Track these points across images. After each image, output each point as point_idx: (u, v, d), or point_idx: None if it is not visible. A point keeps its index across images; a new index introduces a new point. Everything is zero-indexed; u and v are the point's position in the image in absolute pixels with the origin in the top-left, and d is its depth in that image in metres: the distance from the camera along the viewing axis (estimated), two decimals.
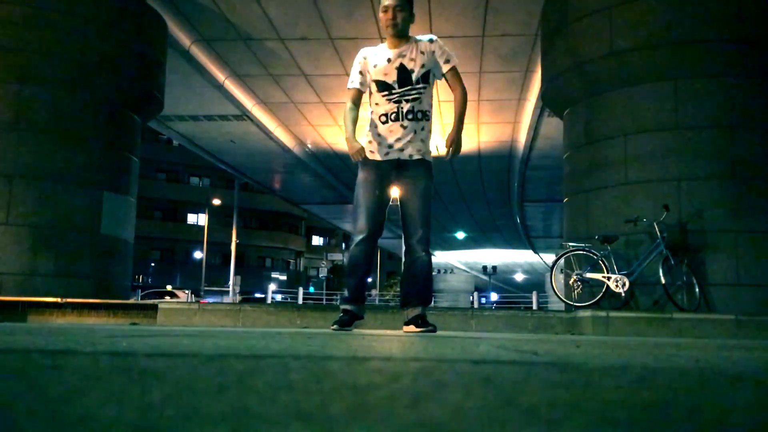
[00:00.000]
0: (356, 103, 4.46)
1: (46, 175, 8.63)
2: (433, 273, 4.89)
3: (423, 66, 4.36)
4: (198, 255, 46.29)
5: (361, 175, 4.40)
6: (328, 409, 0.77)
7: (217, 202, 42.40)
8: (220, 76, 14.05)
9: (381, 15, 4.40)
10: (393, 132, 4.34)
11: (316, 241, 62.97)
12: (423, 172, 4.39)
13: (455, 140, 4.34)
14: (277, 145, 18.61)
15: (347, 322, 4.38)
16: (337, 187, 23.26)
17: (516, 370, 1.41)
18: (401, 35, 4.39)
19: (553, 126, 12.96)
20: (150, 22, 10.15)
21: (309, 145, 18.89)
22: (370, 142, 4.39)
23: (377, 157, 4.36)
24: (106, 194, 9.15)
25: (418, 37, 4.44)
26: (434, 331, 4.30)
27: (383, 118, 4.36)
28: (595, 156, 8.48)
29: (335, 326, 4.35)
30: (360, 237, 4.37)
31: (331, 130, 17.62)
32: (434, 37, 4.44)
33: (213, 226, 42.93)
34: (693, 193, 7.71)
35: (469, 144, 18.47)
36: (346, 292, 4.53)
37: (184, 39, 12.39)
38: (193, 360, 1.47)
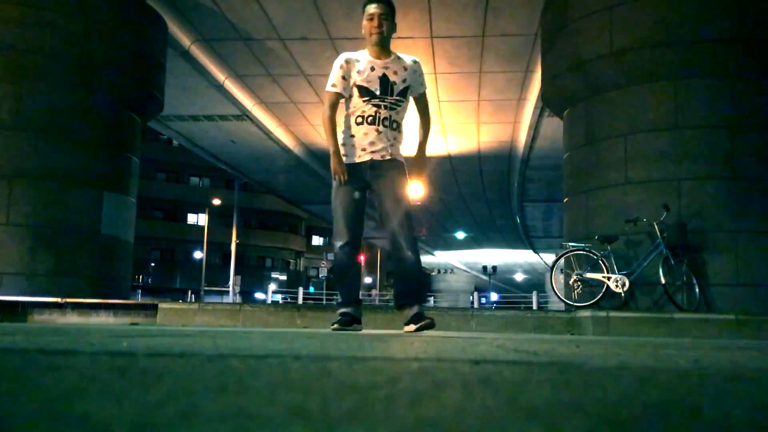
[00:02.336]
0: (334, 109, 4.50)
1: (46, 175, 8.63)
2: (433, 273, 4.94)
3: (405, 81, 4.48)
4: (198, 255, 46.28)
5: (336, 181, 4.43)
6: (328, 409, 0.77)
7: (217, 202, 42.38)
8: (220, 76, 14.05)
9: (365, 23, 4.45)
10: (367, 135, 4.39)
11: (316, 241, 62.96)
12: (398, 170, 4.45)
13: (421, 167, 4.52)
14: (277, 145, 18.59)
15: (348, 322, 4.38)
16: None
17: (516, 370, 1.41)
18: (384, 44, 4.47)
19: (553, 126, 12.95)
20: (150, 22, 10.15)
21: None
22: (343, 145, 4.43)
23: (351, 160, 4.41)
24: (106, 194, 9.15)
25: (400, 55, 4.56)
26: (433, 324, 4.31)
27: (359, 119, 4.41)
28: (595, 156, 8.48)
29: (336, 326, 4.35)
30: (342, 242, 4.39)
31: None
32: (417, 60, 4.61)
33: (213, 226, 42.92)
34: (693, 193, 7.71)
35: (469, 144, 18.47)
36: (339, 297, 4.54)
37: (184, 39, 12.38)
38: (193, 360, 1.47)
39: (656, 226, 7.53)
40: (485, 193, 25.30)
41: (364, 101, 4.41)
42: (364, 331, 4.36)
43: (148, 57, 9.95)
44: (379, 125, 4.40)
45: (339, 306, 4.52)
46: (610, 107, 8.37)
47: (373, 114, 4.39)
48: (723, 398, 0.99)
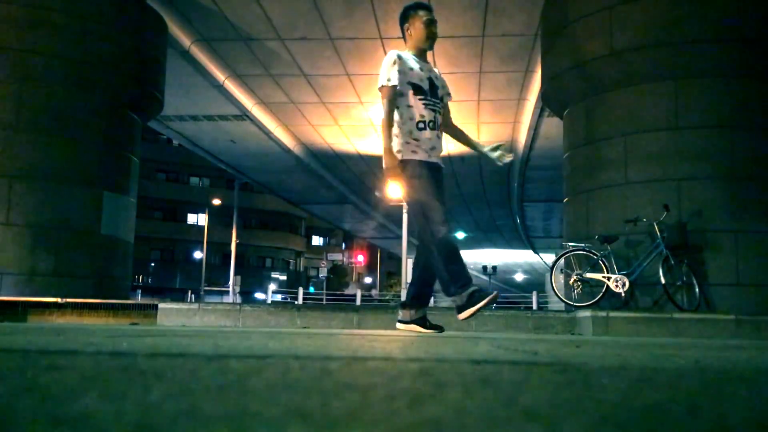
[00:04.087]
0: (394, 104, 4.37)
1: (46, 175, 8.63)
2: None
3: (443, 88, 4.63)
4: (198, 255, 46.27)
5: (417, 171, 4.32)
6: (328, 409, 0.77)
7: (217, 202, 42.38)
8: (220, 76, 14.05)
9: (422, 26, 4.53)
10: (430, 140, 4.42)
11: (316, 241, 62.94)
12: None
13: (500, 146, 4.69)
14: (277, 145, 18.60)
15: (484, 295, 4.11)
16: (337, 187, 23.24)
17: (516, 370, 1.41)
18: (431, 50, 4.65)
19: (553, 126, 12.96)
20: (150, 22, 10.15)
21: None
22: (408, 142, 4.36)
23: (424, 157, 4.38)
24: (106, 194, 9.15)
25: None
26: (443, 329, 4.55)
27: (421, 125, 4.38)
28: (595, 156, 8.48)
29: (485, 302, 4.08)
30: (446, 228, 4.26)
31: (331, 130, 17.60)
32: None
33: (213, 226, 42.92)
34: (693, 193, 7.71)
35: None
36: (459, 280, 4.16)
37: (184, 39, 12.38)
38: (193, 360, 1.47)
39: (656, 226, 7.53)
40: (485, 193, 25.30)
41: (420, 100, 4.40)
42: (364, 331, 4.36)
43: (148, 57, 9.94)
44: (437, 130, 4.48)
45: (461, 289, 4.15)
46: (610, 107, 8.37)
47: (432, 119, 4.43)
48: (723, 398, 0.99)
